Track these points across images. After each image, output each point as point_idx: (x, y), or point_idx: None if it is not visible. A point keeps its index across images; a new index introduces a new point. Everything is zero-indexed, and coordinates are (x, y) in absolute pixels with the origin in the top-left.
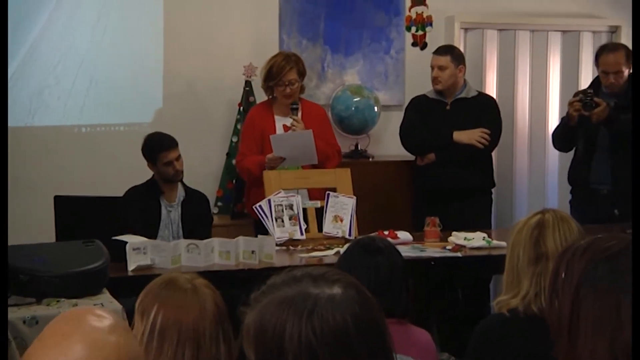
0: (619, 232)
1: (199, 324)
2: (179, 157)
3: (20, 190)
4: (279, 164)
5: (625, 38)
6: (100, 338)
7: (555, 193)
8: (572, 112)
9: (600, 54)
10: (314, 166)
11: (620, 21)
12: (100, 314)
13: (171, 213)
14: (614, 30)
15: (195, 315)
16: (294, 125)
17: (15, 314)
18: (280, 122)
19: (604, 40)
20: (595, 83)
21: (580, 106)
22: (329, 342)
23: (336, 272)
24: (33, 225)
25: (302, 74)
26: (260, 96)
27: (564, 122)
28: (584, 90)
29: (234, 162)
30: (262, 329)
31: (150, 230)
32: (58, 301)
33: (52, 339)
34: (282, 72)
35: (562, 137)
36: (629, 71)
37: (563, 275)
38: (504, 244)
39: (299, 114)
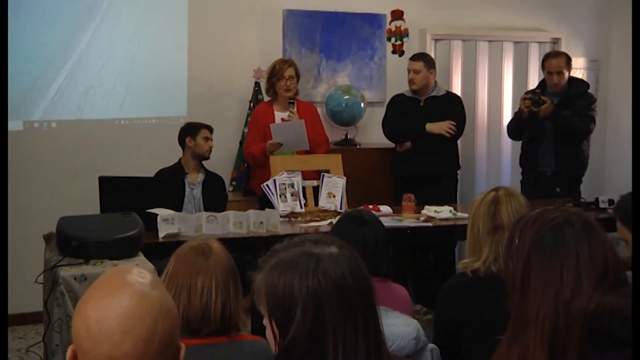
0: (561, 206)
1: (191, 279)
2: (212, 140)
3: (70, 171)
4: (276, 148)
5: (565, 47)
6: (145, 291)
7: (508, 174)
8: (523, 108)
9: (545, 59)
10: (306, 152)
11: (561, 34)
12: (142, 272)
13: (194, 191)
14: (556, 41)
15: (192, 271)
16: (290, 117)
17: (68, 273)
18: (279, 116)
19: (548, 49)
20: (542, 84)
21: (530, 103)
22: (332, 292)
23: (330, 237)
24: (82, 200)
25: (297, 73)
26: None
27: (517, 116)
28: (533, 90)
29: None
30: (273, 286)
31: (177, 204)
32: (102, 262)
33: (104, 290)
34: (282, 68)
35: (515, 129)
36: (568, 74)
37: (517, 241)
38: (466, 215)
39: (295, 108)
